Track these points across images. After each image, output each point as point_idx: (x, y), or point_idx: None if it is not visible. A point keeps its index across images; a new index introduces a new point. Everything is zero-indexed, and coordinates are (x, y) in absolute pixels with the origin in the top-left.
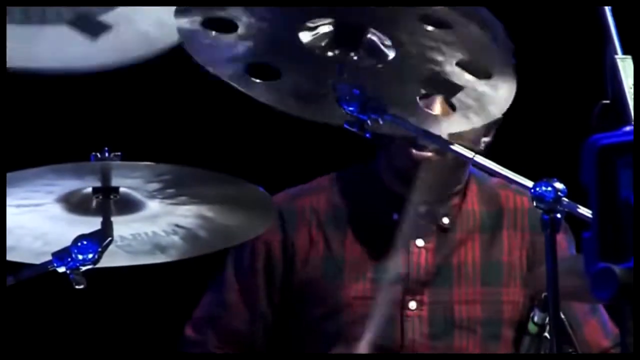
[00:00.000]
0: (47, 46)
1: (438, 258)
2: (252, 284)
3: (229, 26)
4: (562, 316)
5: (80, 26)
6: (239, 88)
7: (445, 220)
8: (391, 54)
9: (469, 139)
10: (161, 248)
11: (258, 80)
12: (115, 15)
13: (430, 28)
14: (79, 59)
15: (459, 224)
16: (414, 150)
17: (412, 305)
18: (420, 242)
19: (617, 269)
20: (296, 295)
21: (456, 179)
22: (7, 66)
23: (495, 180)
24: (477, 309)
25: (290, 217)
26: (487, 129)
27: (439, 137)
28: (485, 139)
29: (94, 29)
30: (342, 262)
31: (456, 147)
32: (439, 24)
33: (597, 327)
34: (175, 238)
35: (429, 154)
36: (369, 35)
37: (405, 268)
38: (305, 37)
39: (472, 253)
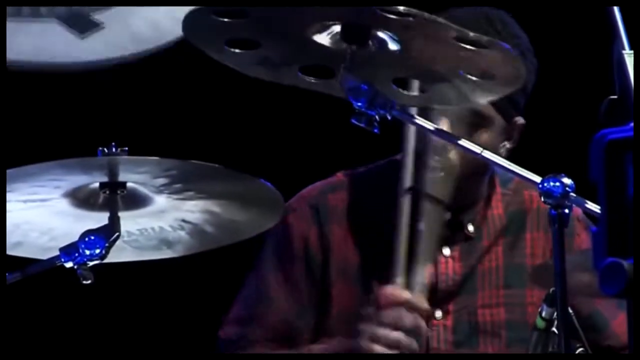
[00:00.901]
0: (32, 40)
1: (464, 266)
2: (294, 276)
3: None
4: (571, 311)
5: (70, 23)
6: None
7: (471, 228)
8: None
9: (489, 144)
10: (168, 243)
11: (237, 50)
12: (109, 15)
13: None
14: (64, 54)
15: (484, 230)
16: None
17: (438, 314)
18: (446, 251)
19: (625, 263)
20: (329, 293)
21: (476, 188)
22: None
23: (518, 179)
24: (501, 312)
25: (325, 212)
26: (508, 134)
27: (448, 133)
28: (507, 145)
29: (84, 26)
30: (370, 267)
31: (464, 143)
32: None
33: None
34: (182, 233)
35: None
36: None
37: (432, 277)
38: (317, 38)
39: (496, 257)
